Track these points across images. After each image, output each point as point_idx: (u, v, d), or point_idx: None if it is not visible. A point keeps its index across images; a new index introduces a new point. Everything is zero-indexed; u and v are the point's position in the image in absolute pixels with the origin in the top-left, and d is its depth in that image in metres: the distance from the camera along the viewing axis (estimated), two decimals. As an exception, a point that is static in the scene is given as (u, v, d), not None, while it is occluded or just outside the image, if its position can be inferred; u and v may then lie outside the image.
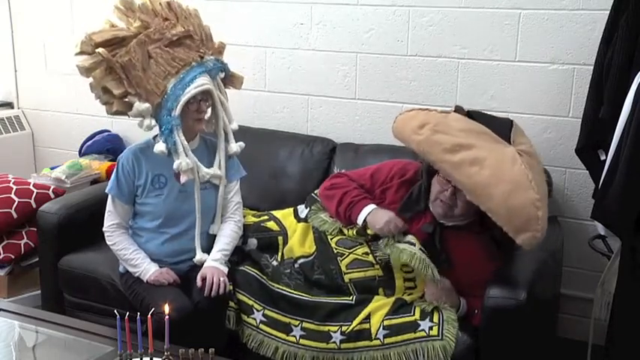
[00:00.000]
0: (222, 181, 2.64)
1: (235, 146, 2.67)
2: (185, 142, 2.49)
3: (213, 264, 2.53)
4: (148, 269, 2.55)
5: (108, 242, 2.63)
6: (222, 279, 2.46)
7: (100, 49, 2.41)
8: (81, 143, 3.82)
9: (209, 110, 2.61)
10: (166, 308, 1.96)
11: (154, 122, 2.48)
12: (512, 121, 2.56)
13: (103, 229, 2.63)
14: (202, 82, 2.49)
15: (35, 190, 3.28)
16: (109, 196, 2.62)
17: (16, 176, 3.41)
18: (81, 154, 3.79)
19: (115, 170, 2.61)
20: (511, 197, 2.29)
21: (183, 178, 2.51)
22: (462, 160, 2.36)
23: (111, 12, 2.58)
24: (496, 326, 2.29)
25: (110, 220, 2.62)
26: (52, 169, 3.62)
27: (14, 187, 3.26)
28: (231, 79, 2.72)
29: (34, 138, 4.18)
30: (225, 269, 2.54)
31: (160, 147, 2.47)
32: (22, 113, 4.16)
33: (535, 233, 2.30)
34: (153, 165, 2.58)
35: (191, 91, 2.46)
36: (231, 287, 2.51)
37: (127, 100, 2.48)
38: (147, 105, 2.44)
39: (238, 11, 3.47)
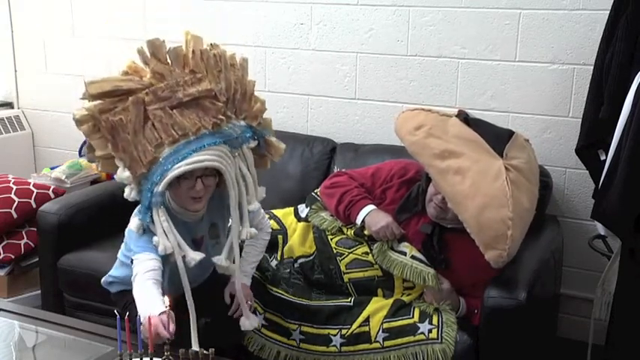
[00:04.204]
0: (237, 272, 2.24)
1: (246, 232, 2.21)
2: (166, 224, 2.09)
3: (244, 281, 2.34)
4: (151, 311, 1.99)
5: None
6: (249, 303, 2.34)
7: (90, 104, 2.10)
8: (81, 143, 3.82)
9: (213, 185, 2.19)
10: (166, 300, 1.94)
11: (134, 194, 2.13)
12: (512, 133, 2.54)
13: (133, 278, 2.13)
14: (202, 159, 2.06)
15: (35, 190, 3.28)
16: (136, 257, 2.16)
17: (16, 176, 3.41)
18: (81, 154, 3.79)
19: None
20: (484, 212, 2.29)
21: (171, 259, 2.14)
22: (448, 168, 2.37)
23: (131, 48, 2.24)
24: (496, 326, 2.29)
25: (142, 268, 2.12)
26: (52, 169, 3.62)
27: (14, 187, 3.26)
28: (267, 148, 2.29)
29: (34, 138, 4.18)
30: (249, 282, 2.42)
31: (132, 224, 2.15)
32: (22, 113, 4.17)
33: (502, 252, 2.28)
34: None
35: (181, 167, 2.04)
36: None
37: (113, 160, 2.15)
38: (127, 174, 2.09)
39: (238, 11, 3.47)
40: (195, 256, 2.13)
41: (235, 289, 2.30)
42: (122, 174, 2.10)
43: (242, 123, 2.18)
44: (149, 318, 1.89)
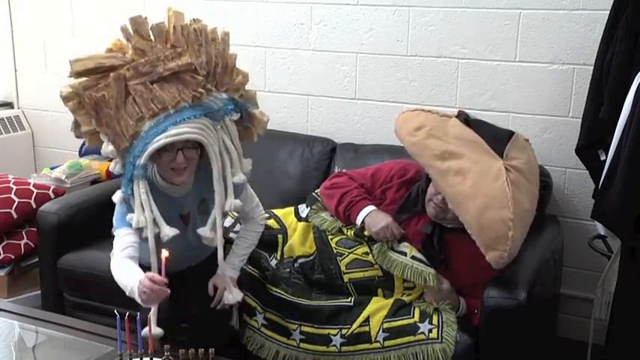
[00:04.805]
0: (219, 243, 2.26)
1: (230, 203, 2.23)
2: (144, 196, 2.14)
3: (231, 274, 2.36)
4: (132, 288, 2.08)
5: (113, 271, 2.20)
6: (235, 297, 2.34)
7: (75, 81, 2.15)
8: (81, 143, 3.82)
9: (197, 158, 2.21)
10: (165, 252, 1.98)
11: (118, 167, 2.19)
12: (513, 133, 2.54)
13: (111, 256, 2.24)
14: (181, 131, 2.09)
15: (35, 190, 3.28)
16: (116, 232, 2.25)
17: (16, 176, 3.41)
18: (81, 154, 3.79)
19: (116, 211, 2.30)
20: (485, 212, 2.30)
21: (143, 234, 2.18)
22: (449, 169, 2.37)
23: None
24: (496, 326, 2.29)
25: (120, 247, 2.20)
26: (52, 169, 3.62)
27: (14, 187, 3.26)
28: (250, 120, 2.31)
29: (34, 138, 4.19)
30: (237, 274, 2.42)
31: (116, 196, 2.21)
32: (22, 113, 4.17)
33: (502, 253, 2.29)
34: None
35: (161, 140, 2.08)
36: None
37: (99, 135, 2.21)
38: (111, 148, 2.15)
39: (238, 11, 3.47)
40: (169, 232, 2.17)
41: (217, 281, 2.33)
42: (107, 148, 2.17)
43: (224, 96, 2.21)
44: (144, 277, 2.00)
